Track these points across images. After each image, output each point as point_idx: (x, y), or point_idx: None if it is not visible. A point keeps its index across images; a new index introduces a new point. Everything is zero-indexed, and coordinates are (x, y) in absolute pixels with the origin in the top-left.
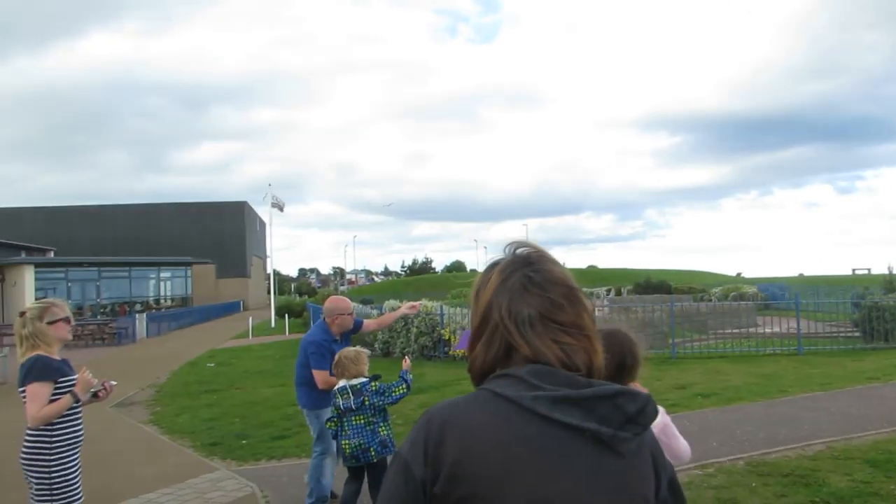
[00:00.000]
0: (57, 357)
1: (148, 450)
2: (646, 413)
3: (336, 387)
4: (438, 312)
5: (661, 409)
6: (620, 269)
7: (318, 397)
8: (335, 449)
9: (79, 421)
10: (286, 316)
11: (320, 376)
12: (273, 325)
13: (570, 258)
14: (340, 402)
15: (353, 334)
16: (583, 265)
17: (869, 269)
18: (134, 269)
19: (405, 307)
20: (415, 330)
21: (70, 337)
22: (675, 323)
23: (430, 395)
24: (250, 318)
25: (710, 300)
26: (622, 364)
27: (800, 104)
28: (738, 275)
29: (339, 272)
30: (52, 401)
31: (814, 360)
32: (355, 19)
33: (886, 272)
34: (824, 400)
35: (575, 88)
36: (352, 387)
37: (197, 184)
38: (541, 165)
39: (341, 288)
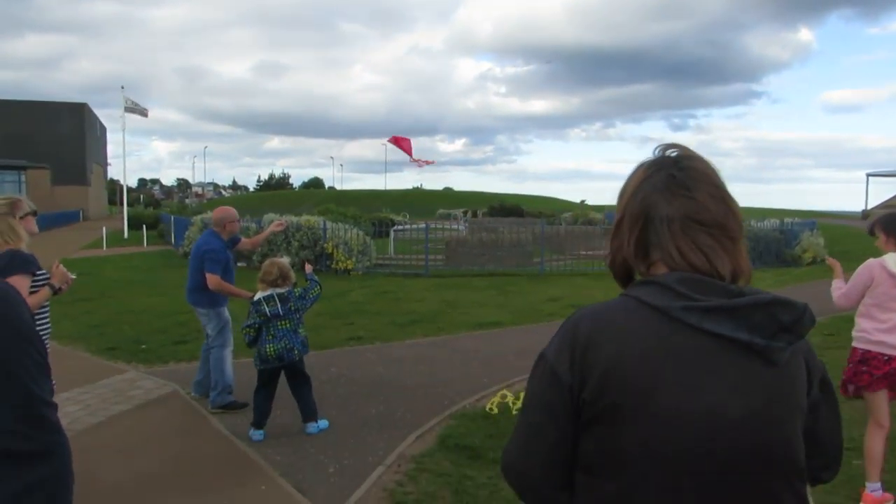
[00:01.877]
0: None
1: None
2: (802, 322)
3: (262, 295)
4: (321, 227)
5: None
6: (474, 192)
7: (214, 297)
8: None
9: (48, 313)
10: (144, 227)
11: (213, 279)
12: (126, 236)
13: (425, 180)
14: (267, 309)
15: (230, 248)
16: (438, 187)
17: None
18: None
19: (273, 225)
20: (296, 244)
21: (37, 230)
22: (537, 244)
23: (322, 305)
24: (104, 229)
25: (561, 224)
26: None
27: (646, 43)
28: (583, 202)
29: (185, 184)
30: (31, 293)
31: None
32: None
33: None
34: None
35: (437, 11)
36: (278, 295)
37: (20, 79)
38: (398, 85)
39: (188, 201)
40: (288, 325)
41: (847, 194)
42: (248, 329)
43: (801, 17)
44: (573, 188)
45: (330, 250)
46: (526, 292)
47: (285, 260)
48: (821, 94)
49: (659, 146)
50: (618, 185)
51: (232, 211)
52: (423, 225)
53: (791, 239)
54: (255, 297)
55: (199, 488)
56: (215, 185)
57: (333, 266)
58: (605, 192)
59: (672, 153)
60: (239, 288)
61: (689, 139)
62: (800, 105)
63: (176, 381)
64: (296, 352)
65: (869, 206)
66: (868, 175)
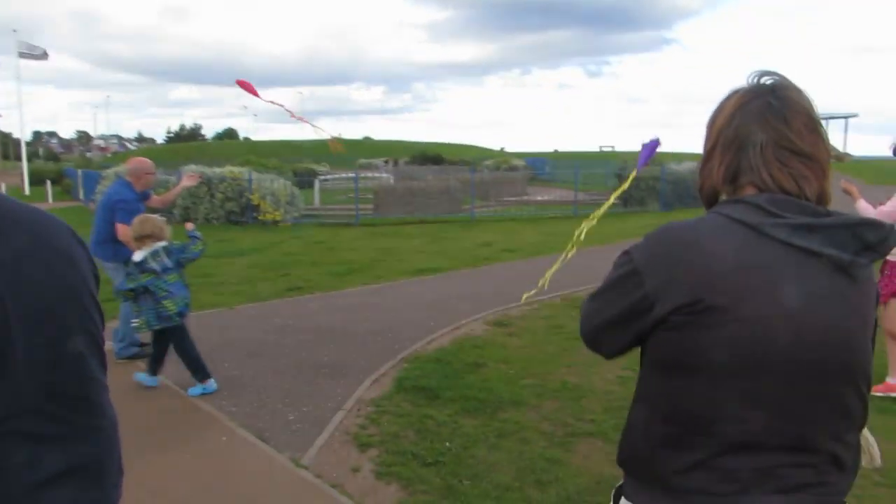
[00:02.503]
0: None
1: None
2: (888, 241)
3: (148, 251)
4: (246, 178)
5: None
6: (394, 141)
7: (121, 250)
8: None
9: None
10: (48, 183)
11: (124, 230)
12: (28, 192)
13: (342, 128)
14: (155, 264)
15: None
16: (357, 136)
17: (613, 147)
18: None
19: (185, 179)
20: (220, 195)
21: None
22: (464, 190)
23: (254, 258)
24: (2, 185)
25: (484, 171)
26: None
27: None
28: (502, 149)
29: (85, 137)
30: None
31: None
32: None
33: (639, 148)
34: (607, 251)
35: None
36: (164, 248)
37: None
38: (311, 31)
39: (89, 155)
40: (177, 278)
41: None
42: (128, 293)
43: None
44: (492, 135)
45: (256, 202)
46: (459, 238)
47: (158, 216)
48: (727, 40)
49: (754, 73)
50: (535, 132)
51: (148, 162)
52: (348, 175)
53: None
54: (138, 258)
55: (158, 445)
56: (119, 138)
57: (261, 217)
58: (523, 140)
59: (768, 80)
60: None
61: (604, 84)
62: (708, 51)
63: (107, 340)
64: (189, 304)
65: None
66: None
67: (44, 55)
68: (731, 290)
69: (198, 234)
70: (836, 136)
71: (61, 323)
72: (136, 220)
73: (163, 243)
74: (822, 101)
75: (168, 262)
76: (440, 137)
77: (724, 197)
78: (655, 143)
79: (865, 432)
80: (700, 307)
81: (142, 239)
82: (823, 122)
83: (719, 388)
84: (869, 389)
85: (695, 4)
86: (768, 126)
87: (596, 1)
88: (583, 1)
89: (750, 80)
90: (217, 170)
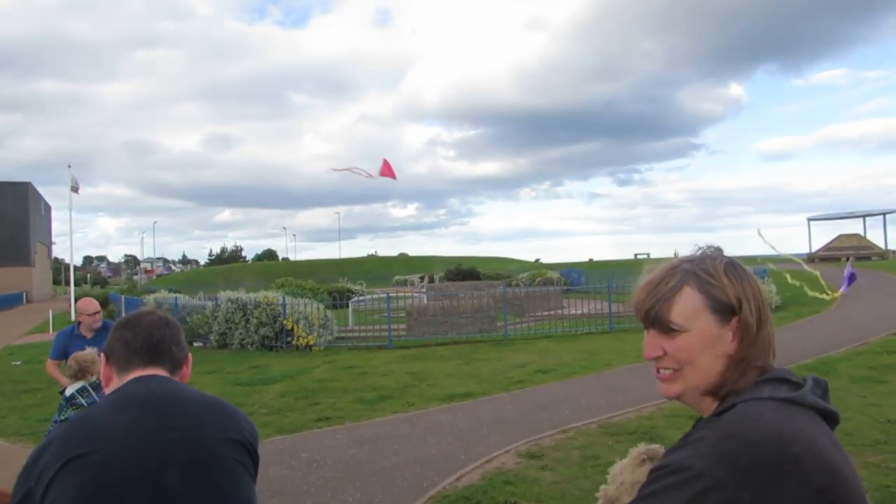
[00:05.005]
0: None
1: None
2: (828, 391)
3: (74, 388)
4: (280, 303)
5: None
6: (429, 257)
7: None
8: None
9: None
10: None
11: (49, 363)
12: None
13: (379, 246)
14: (83, 400)
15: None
16: (393, 253)
17: (648, 254)
18: None
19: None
20: (255, 321)
21: None
22: (498, 307)
23: (286, 385)
24: (50, 311)
25: (518, 285)
26: None
27: (587, 103)
28: (537, 260)
29: (133, 261)
30: None
31: (624, 337)
32: None
33: (673, 256)
34: (644, 370)
35: (383, 80)
36: (91, 385)
37: None
38: (348, 153)
39: (136, 278)
40: None
41: (789, 238)
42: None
43: (730, 72)
44: (526, 247)
45: (290, 326)
46: (492, 359)
47: (89, 352)
48: (755, 144)
49: (701, 248)
50: (568, 242)
51: (85, 304)
52: (381, 294)
53: None
54: (67, 392)
55: None
56: (165, 261)
57: (294, 342)
58: (557, 250)
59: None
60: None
61: (634, 193)
62: (736, 155)
63: None
64: None
65: (813, 249)
66: (809, 219)
67: (76, 188)
68: (839, 475)
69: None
70: (875, 234)
71: None
72: (71, 356)
73: (93, 379)
74: (858, 200)
75: (94, 397)
76: (475, 251)
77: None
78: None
79: None
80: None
81: (75, 374)
82: (861, 220)
83: None
84: None
85: (719, 110)
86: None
87: (621, 113)
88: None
89: (704, 253)
90: (252, 295)
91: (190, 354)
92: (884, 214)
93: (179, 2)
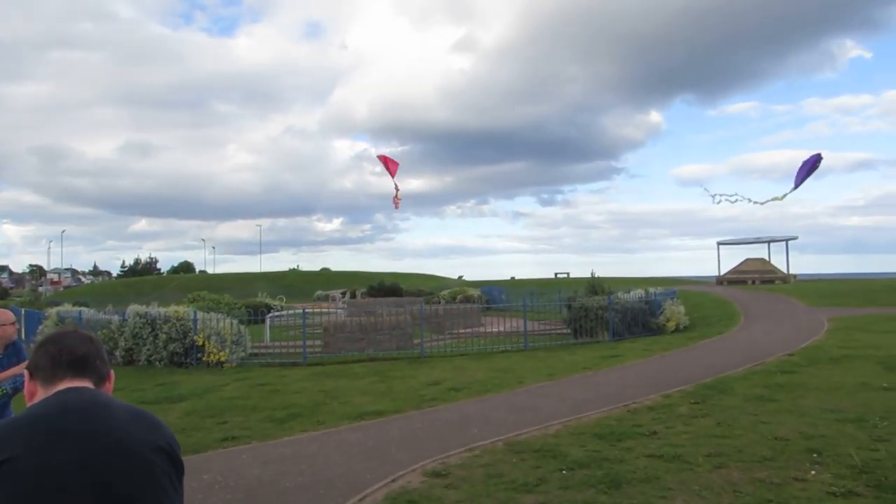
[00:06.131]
0: None
1: None
2: None
3: None
4: (191, 318)
5: None
6: (352, 272)
7: None
8: None
9: None
10: None
11: None
12: None
13: (302, 260)
14: None
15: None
16: (316, 267)
17: (568, 273)
18: None
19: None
20: (164, 336)
21: None
22: (416, 324)
23: (193, 403)
24: None
25: (440, 302)
26: None
27: (514, 124)
28: (460, 278)
29: (38, 271)
30: None
31: (538, 355)
32: None
33: (589, 276)
34: (553, 388)
35: (313, 93)
36: None
37: None
38: (273, 165)
39: (41, 289)
40: None
41: (701, 261)
42: None
43: (651, 101)
44: (451, 264)
45: (201, 342)
46: (407, 377)
47: None
48: (672, 169)
49: None
50: (493, 259)
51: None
52: (301, 309)
53: (655, 308)
54: None
55: None
56: (74, 272)
57: (205, 359)
58: (481, 267)
59: None
60: None
61: (558, 213)
62: (654, 179)
63: None
64: None
65: (721, 272)
66: (718, 243)
67: None
68: None
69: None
70: (779, 259)
71: None
72: None
73: None
74: (764, 227)
75: None
76: (400, 267)
77: None
78: (817, 157)
79: None
80: None
81: None
82: (767, 246)
83: None
84: None
85: (639, 136)
86: None
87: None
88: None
89: None
90: (162, 309)
91: (112, 371)
92: (786, 241)
93: (101, 3)
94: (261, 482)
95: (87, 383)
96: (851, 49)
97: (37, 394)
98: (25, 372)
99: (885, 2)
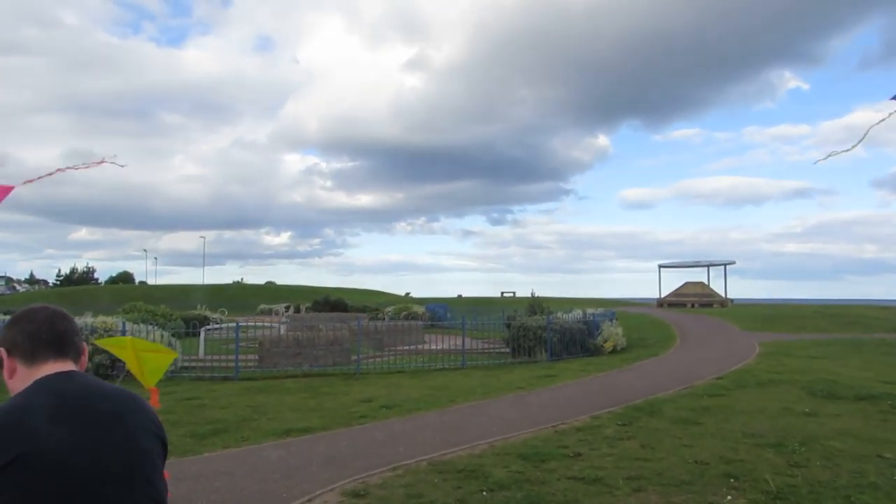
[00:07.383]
0: None
1: None
2: None
3: None
4: (119, 329)
5: None
6: (298, 286)
7: None
8: None
9: None
10: None
11: None
12: None
13: (249, 274)
14: None
15: None
16: (261, 281)
17: (514, 293)
18: None
19: None
20: (90, 348)
21: None
22: (356, 340)
23: None
24: None
25: (384, 318)
26: None
27: (465, 143)
28: (407, 294)
29: None
30: None
31: (475, 374)
32: None
33: (530, 296)
34: (485, 407)
35: (262, 104)
36: None
37: None
38: (221, 177)
39: None
40: None
41: (644, 283)
42: None
43: (598, 124)
44: (399, 280)
45: None
46: (339, 393)
47: None
48: (618, 192)
49: None
50: (441, 277)
51: None
52: (243, 323)
53: (594, 329)
54: None
55: None
56: (8, 280)
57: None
58: (429, 284)
59: None
60: None
61: (507, 232)
62: (601, 201)
63: None
64: None
65: (662, 295)
66: (660, 266)
67: None
68: None
69: None
70: (718, 283)
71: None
72: None
73: None
74: (704, 250)
75: None
76: (348, 283)
77: None
78: None
79: None
80: None
81: None
82: (706, 269)
83: None
84: None
85: (587, 158)
86: None
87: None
88: (485, 155)
89: None
90: (89, 320)
91: (85, 343)
92: (725, 265)
93: (45, 9)
94: (171, 501)
95: (69, 363)
96: (790, 80)
97: (17, 371)
98: (2, 349)
99: (822, 36)
